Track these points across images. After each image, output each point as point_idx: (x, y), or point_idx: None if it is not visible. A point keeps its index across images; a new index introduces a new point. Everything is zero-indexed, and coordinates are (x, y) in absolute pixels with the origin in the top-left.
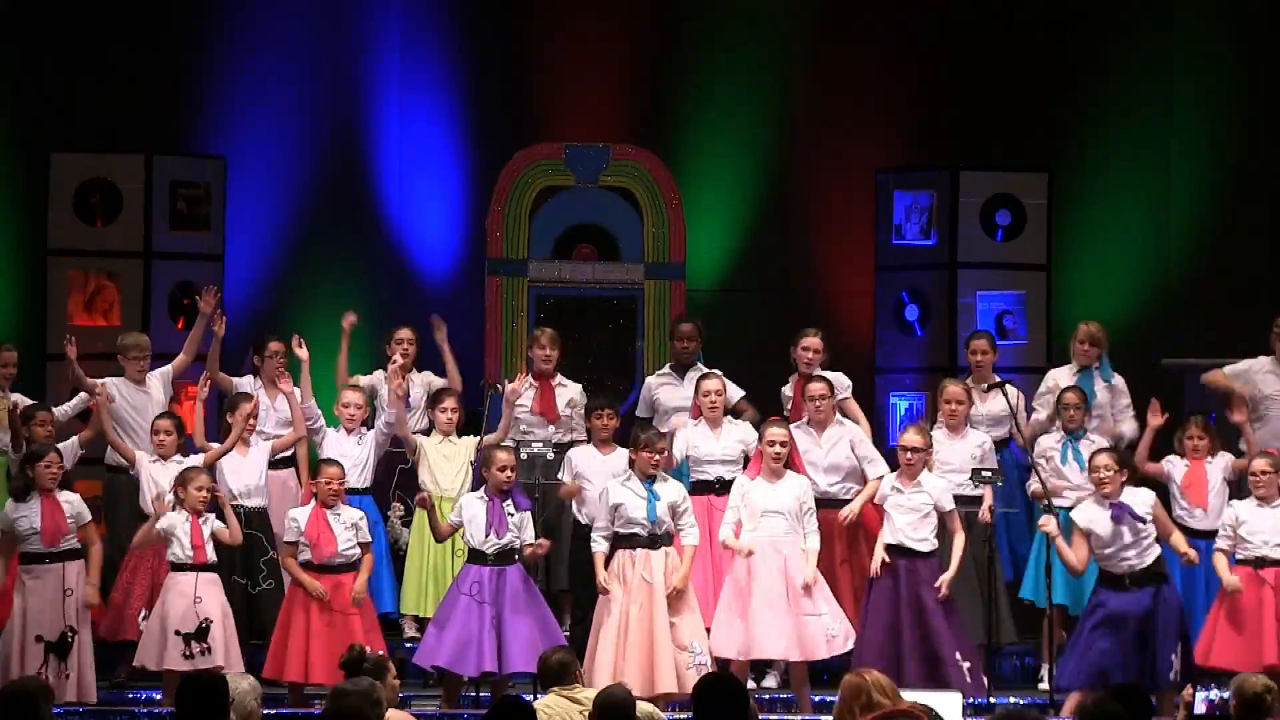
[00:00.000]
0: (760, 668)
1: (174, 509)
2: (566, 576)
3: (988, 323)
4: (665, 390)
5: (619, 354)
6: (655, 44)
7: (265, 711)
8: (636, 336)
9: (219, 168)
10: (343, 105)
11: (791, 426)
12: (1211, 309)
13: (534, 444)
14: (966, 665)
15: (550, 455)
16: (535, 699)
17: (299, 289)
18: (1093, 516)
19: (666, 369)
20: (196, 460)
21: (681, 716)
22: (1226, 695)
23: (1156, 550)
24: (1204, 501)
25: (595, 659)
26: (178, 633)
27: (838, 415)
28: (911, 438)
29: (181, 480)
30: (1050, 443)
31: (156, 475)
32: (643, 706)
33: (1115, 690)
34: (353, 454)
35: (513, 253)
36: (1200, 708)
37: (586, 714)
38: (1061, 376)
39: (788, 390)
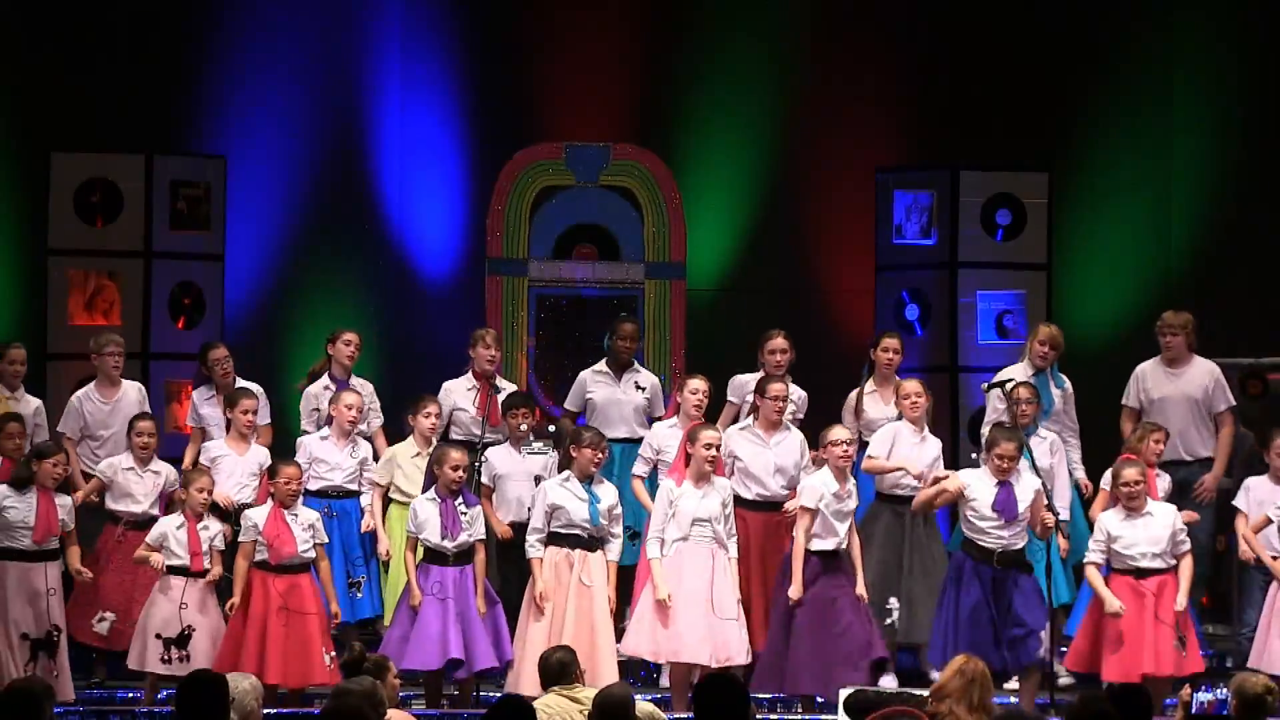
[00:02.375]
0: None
1: (174, 511)
2: (496, 576)
3: (988, 323)
4: (601, 389)
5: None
6: (655, 44)
7: (270, 711)
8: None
9: (219, 168)
10: (343, 105)
11: (736, 429)
12: (1212, 308)
13: (534, 443)
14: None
15: (551, 454)
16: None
17: (299, 289)
18: (978, 487)
19: (602, 365)
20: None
21: (682, 716)
22: (1226, 695)
23: (1025, 539)
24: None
25: (525, 658)
26: (159, 636)
27: (784, 420)
28: (841, 432)
29: (184, 481)
30: None
31: (129, 485)
32: (643, 706)
33: (1111, 691)
34: (342, 463)
35: (513, 253)
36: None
37: (586, 713)
38: (1015, 375)
39: (751, 383)
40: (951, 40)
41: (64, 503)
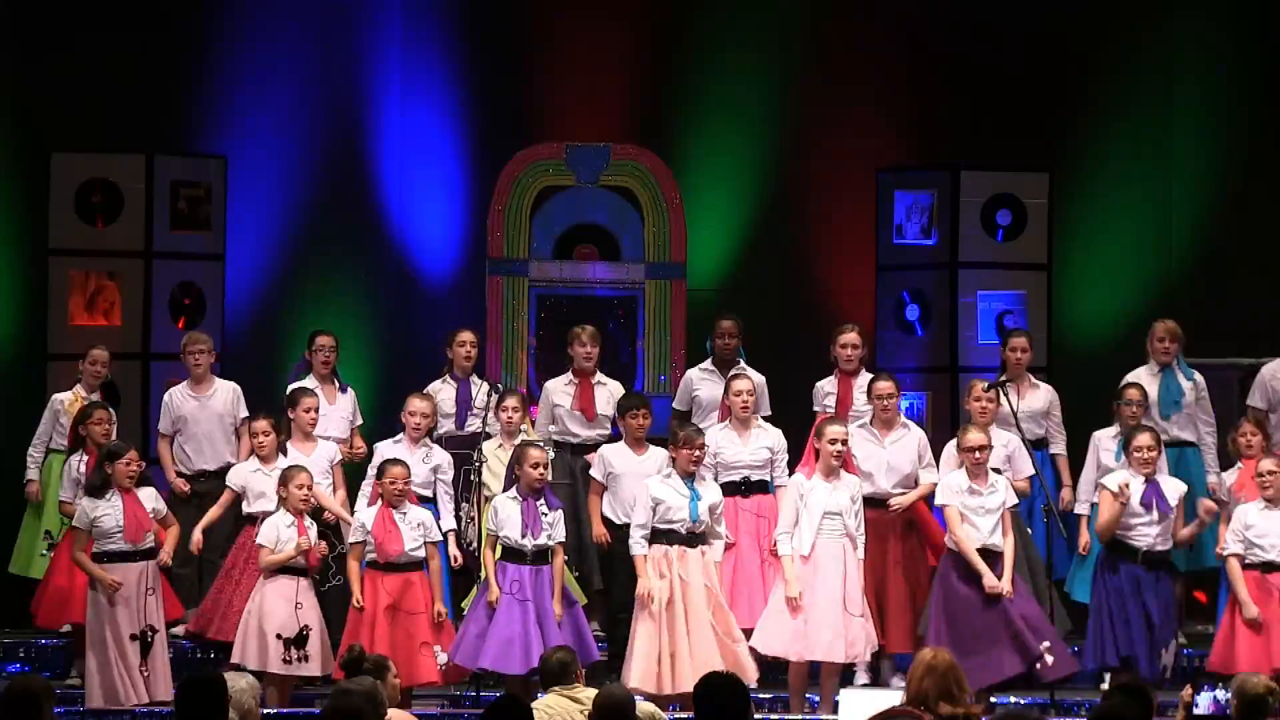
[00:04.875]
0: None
1: (277, 509)
2: (598, 577)
3: (988, 323)
4: (706, 386)
5: (619, 354)
6: (655, 44)
7: (266, 711)
8: (636, 336)
9: (219, 168)
10: (343, 105)
11: (855, 425)
12: (1212, 308)
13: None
14: (1048, 645)
15: (551, 454)
16: (535, 698)
17: (299, 289)
18: (1128, 483)
19: (709, 364)
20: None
21: (682, 716)
22: (1228, 695)
23: (1170, 542)
24: None
25: (633, 657)
26: (279, 636)
27: (901, 417)
28: (976, 437)
29: (282, 479)
30: (1105, 437)
31: (256, 485)
32: (643, 706)
33: (1117, 690)
34: (416, 470)
35: (513, 253)
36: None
37: (586, 714)
38: (1139, 378)
39: (828, 385)
40: (952, 40)
41: (148, 494)
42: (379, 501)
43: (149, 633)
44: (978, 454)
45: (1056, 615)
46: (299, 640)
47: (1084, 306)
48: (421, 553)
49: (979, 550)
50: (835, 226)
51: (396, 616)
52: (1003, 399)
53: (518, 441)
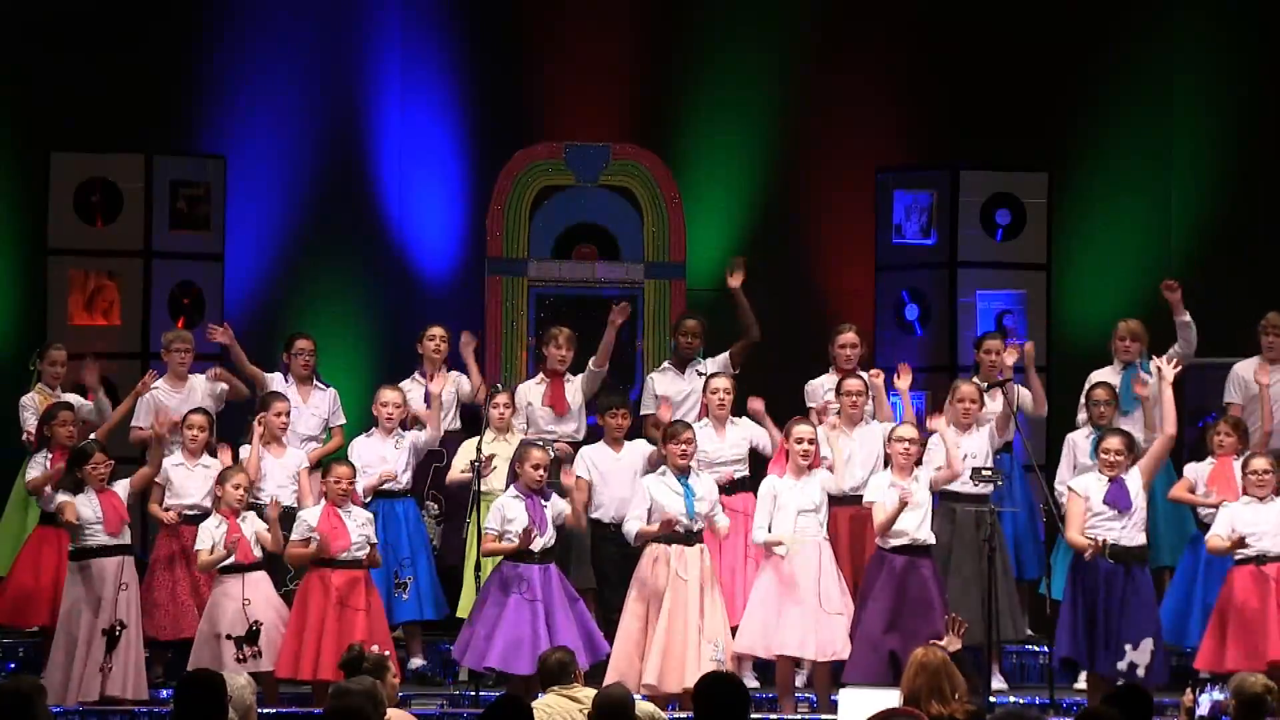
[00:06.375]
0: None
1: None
2: (590, 576)
3: (987, 323)
4: (664, 383)
5: (619, 354)
6: (655, 44)
7: (269, 710)
8: (636, 336)
9: (219, 168)
10: (343, 105)
11: (824, 426)
12: (1211, 309)
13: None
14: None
15: (552, 454)
16: (535, 698)
17: (299, 289)
18: (1090, 485)
19: (666, 364)
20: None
21: (681, 716)
22: (1226, 696)
23: (1144, 537)
24: (1234, 499)
25: (616, 652)
26: (229, 637)
27: (867, 415)
28: (907, 430)
29: (220, 479)
30: (1079, 438)
31: (182, 480)
32: (643, 706)
33: (1113, 694)
34: (390, 457)
35: (513, 253)
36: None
37: (586, 713)
38: (1105, 376)
39: (827, 383)
40: (951, 40)
41: (121, 486)
42: (322, 501)
43: (117, 627)
44: (907, 447)
45: (1013, 624)
46: (250, 637)
47: (1083, 306)
48: (365, 552)
49: (904, 548)
50: (834, 226)
51: (343, 614)
52: (1003, 397)
53: (517, 441)
